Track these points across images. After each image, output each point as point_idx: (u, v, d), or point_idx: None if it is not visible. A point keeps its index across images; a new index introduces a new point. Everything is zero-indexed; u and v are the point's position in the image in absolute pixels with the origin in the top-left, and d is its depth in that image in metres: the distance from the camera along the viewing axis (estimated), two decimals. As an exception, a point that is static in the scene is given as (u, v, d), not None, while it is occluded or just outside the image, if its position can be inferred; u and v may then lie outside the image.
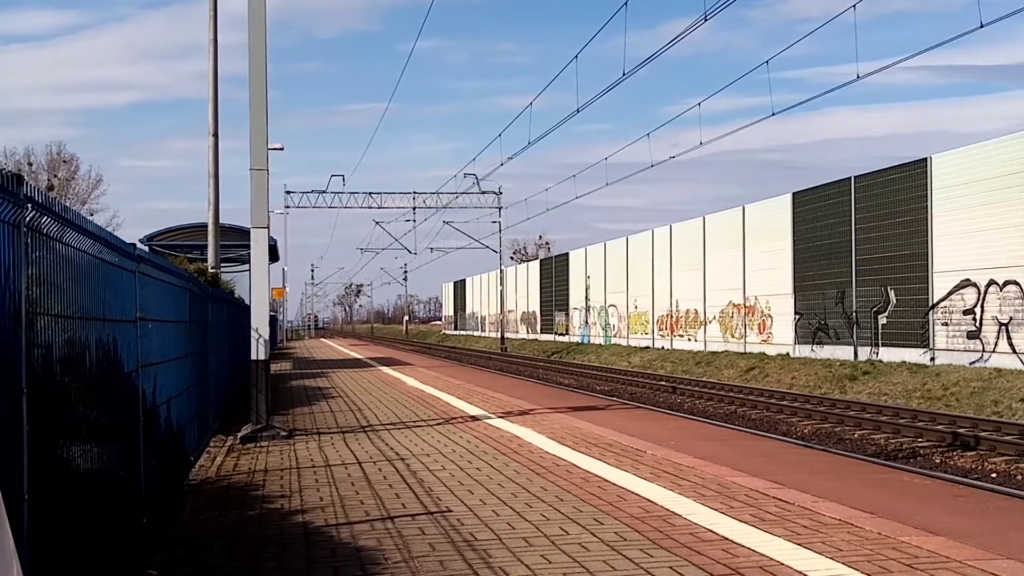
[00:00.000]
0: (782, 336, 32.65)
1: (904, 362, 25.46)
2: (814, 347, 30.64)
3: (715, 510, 7.79)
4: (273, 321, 39.88)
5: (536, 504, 8.22)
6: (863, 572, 5.90)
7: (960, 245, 24.14)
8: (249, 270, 14.56)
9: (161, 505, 7.89)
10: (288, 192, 57.14)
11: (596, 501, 8.28)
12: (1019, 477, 13.50)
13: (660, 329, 43.23)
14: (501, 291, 63.65)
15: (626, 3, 21.75)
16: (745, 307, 35.41)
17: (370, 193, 57.12)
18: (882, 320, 27.24)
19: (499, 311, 65.18)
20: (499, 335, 61.50)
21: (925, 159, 25.75)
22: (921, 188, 25.69)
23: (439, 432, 13.60)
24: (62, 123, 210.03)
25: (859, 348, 28.26)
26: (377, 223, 67.12)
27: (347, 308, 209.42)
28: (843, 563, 6.09)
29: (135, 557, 6.38)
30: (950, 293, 24.51)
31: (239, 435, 13.35)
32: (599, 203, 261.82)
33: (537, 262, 69.33)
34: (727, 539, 6.79)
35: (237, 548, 6.88)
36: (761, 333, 34.18)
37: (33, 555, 4.02)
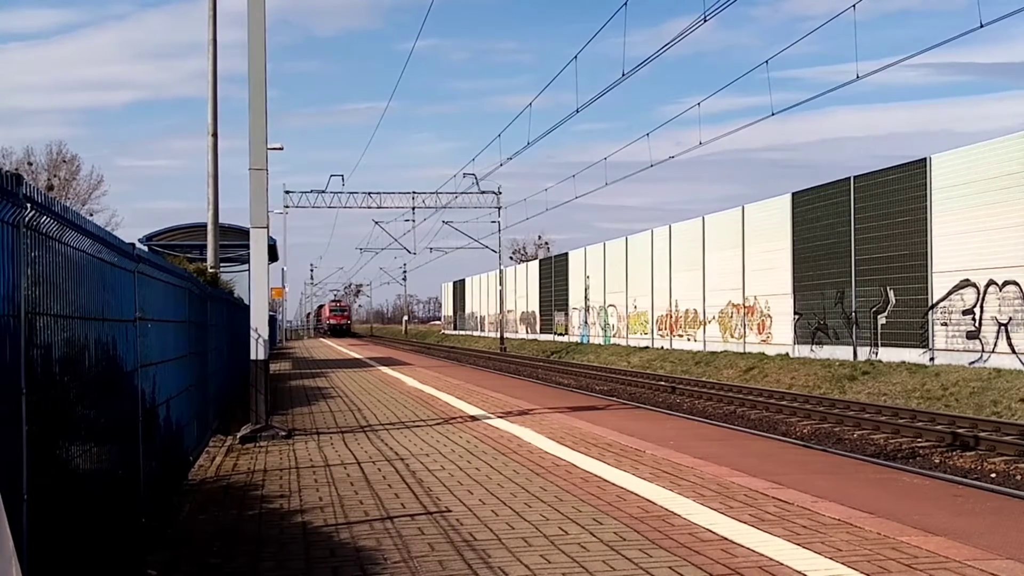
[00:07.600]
0: (781, 336, 32.66)
1: (903, 362, 25.47)
2: (813, 347, 30.64)
3: (714, 510, 7.79)
4: (272, 321, 39.88)
5: (535, 504, 8.22)
6: (862, 572, 5.90)
7: (959, 245, 24.15)
8: (248, 270, 14.56)
9: (160, 505, 7.89)
10: (287, 192, 57.17)
11: (595, 501, 8.28)
12: (1018, 477, 13.51)
13: (659, 329, 43.23)
14: (500, 291, 63.63)
15: (626, 3, 21.78)
16: (744, 307, 35.42)
17: (369, 193, 57.16)
18: (881, 320, 27.24)
19: (498, 311, 65.17)
20: (498, 335, 61.48)
21: (924, 159, 25.76)
22: (920, 188, 25.70)
23: (438, 432, 13.60)
24: (61, 122, 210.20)
25: (858, 348, 28.27)
26: (376, 223, 67.17)
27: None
28: (842, 563, 6.09)
29: (134, 557, 6.38)
30: (949, 293, 24.52)
31: (238, 435, 13.35)
32: (599, 203, 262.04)
33: (536, 262, 69.30)
34: (726, 539, 6.79)
35: (236, 548, 6.88)
36: (760, 333, 34.19)
37: (32, 555, 4.02)
